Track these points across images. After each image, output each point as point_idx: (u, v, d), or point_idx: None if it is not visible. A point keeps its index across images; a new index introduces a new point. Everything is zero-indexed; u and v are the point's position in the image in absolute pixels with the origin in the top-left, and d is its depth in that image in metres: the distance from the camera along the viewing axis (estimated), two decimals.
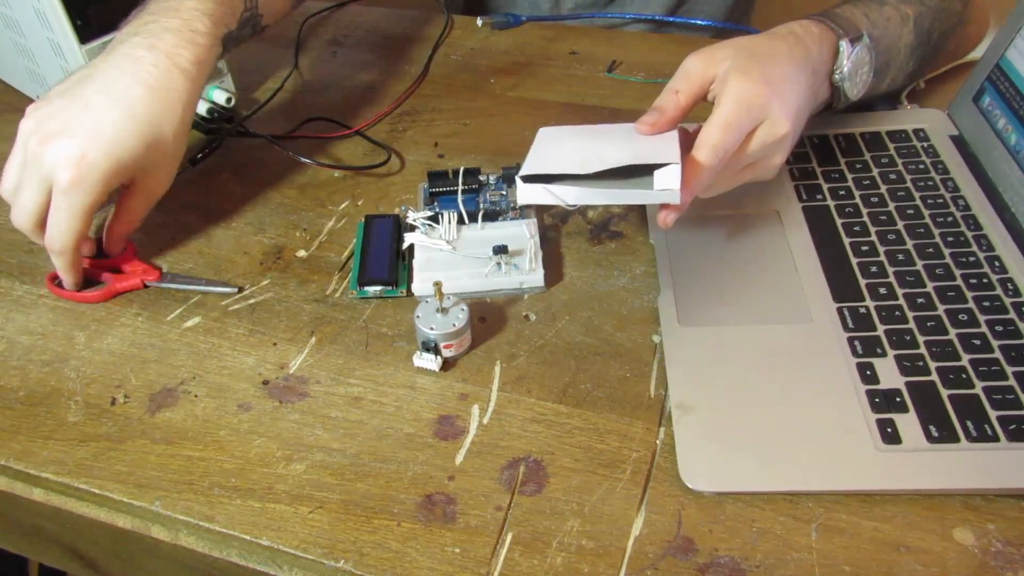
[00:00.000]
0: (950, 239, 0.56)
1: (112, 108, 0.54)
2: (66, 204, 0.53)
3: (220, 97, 0.72)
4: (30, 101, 0.76)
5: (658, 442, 0.47)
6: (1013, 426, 0.45)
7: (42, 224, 0.55)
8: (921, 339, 0.50)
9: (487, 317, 0.55)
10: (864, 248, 0.57)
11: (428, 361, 0.51)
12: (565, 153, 0.52)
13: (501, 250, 0.56)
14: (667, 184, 0.48)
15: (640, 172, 0.49)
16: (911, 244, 0.56)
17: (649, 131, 0.53)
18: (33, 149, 0.53)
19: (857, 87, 0.61)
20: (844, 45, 0.58)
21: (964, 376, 0.48)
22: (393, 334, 0.55)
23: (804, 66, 0.56)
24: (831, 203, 0.61)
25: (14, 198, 0.55)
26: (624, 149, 0.50)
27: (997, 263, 0.54)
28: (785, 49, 0.55)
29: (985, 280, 0.53)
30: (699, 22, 0.88)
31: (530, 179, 0.50)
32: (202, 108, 0.71)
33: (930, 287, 0.53)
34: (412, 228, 0.60)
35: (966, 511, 0.43)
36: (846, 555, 0.42)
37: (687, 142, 0.52)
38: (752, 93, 0.51)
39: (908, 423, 0.46)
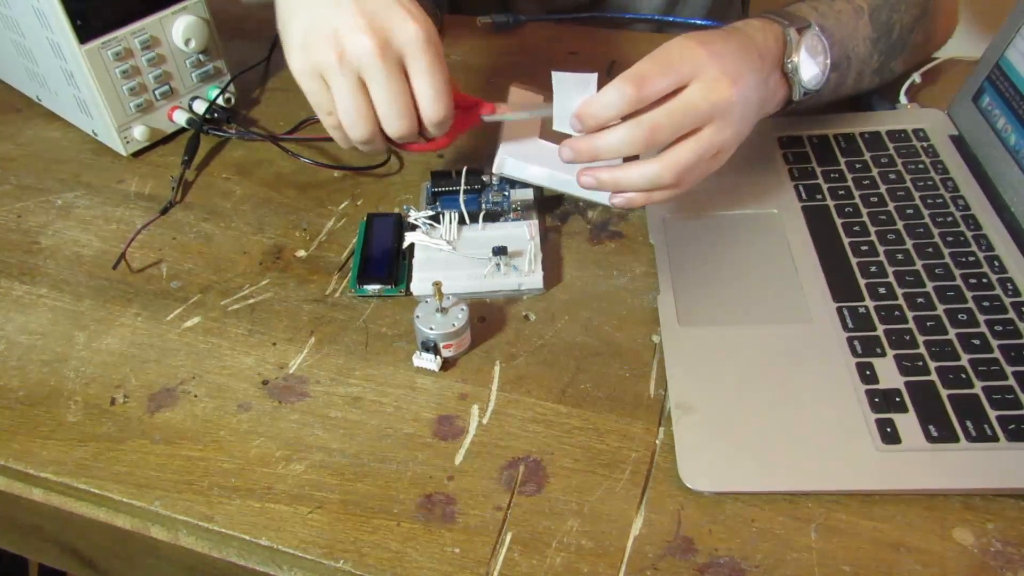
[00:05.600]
0: (950, 239, 0.56)
1: None
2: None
3: (219, 97, 0.72)
4: (30, 101, 0.76)
5: (658, 442, 0.48)
6: (1012, 426, 0.45)
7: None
8: (920, 339, 0.50)
9: (486, 317, 0.55)
10: (864, 248, 0.57)
11: (428, 361, 0.51)
12: (543, 152, 0.60)
13: (500, 251, 0.56)
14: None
15: None
16: (911, 244, 0.56)
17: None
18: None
19: (815, 77, 0.59)
20: (791, 33, 0.57)
21: (963, 376, 0.48)
22: (393, 334, 0.55)
23: (748, 48, 0.54)
24: (831, 203, 0.61)
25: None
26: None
27: (996, 263, 0.54)
28: (722, 33, 0.55)
29: (985, 280, 0.53)
30: (698, 21, 0.88)
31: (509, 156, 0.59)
32: (200, 108, 0.71)
33: (929, 287, 0.53)
34: (413, 227, 0.60)
35: (965, 511, 0.43)
36: (846, 555, 0.42)
37: None
38: (678, 46, 0.51)
39: (907, 423, 0.46)
